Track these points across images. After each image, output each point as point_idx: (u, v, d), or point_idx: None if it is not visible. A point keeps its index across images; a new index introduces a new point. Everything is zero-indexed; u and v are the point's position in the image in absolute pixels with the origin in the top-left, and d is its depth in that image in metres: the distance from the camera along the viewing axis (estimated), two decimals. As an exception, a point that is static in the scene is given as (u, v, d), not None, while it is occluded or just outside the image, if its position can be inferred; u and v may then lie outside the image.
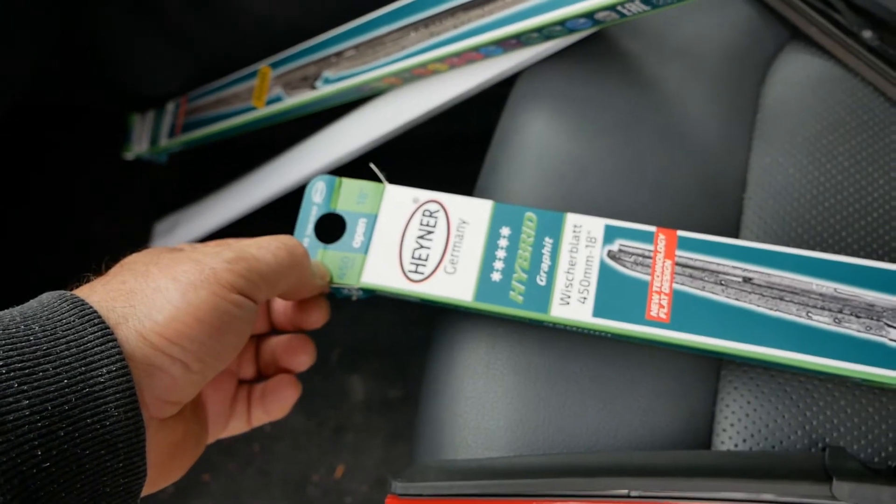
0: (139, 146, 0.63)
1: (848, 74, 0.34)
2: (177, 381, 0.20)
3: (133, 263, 0.22)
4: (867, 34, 0.34)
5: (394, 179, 0.30)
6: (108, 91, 0.64)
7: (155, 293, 0.20)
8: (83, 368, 0.18)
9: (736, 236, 0.31)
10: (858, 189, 0.31)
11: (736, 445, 0.27)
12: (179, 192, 0.64)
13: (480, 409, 0.28)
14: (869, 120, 0.33)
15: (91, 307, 0.19)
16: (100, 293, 0.20)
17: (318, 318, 0.29)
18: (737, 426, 0.27)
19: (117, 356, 0.18)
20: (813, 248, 0.30)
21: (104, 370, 0.18)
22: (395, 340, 0.62)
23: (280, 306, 0.29)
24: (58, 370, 0.17)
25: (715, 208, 0.31)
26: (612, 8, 0.30)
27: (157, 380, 0.20)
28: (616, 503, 0.25)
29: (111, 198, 0.69)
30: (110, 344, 0.19)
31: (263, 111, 0.48)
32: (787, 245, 0.30)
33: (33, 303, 0.20)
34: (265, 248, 0.24)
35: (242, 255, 0.23)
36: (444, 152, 0.54)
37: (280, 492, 0.59)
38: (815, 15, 0.35)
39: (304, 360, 0.29)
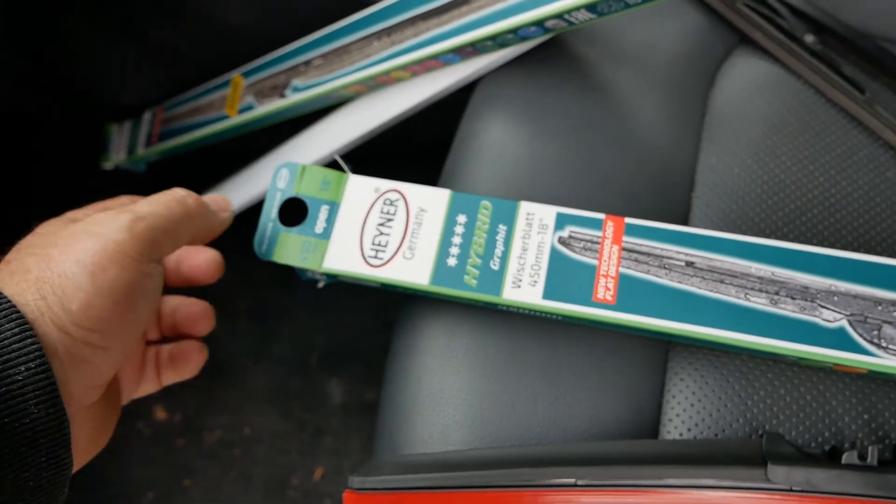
0: (117, 156, 0.63)
1: (791, 77, 0.35)
2: (100, 366, 0.20)
3: (31, 247, 0.22)
4: (809, 38, 0.35)
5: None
6: (85, 101, 0.64)
7: (64, 281, 0.20)
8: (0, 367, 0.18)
9: (685, 234, 0.32)
10: (800, 187, 0.32)
11: (681, 434, 0.28)
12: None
13: (436, 404, 0.29)
14: (811, 121, 0.34)
15: (8, 301, 0.19)
16: (9, 286, 0.20)
17: (207, 269, 0.29)
18: (682, 416, 0.28)
19: (36, 352, 0.18)
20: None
21: (22, 367, 0.18)
22: (372, 344, 0.63)
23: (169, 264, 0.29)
24: None
25: (664, 207, 0.33)
26: (559, 16, 0.31)
27: (82, 370, 0.20)
28: (563, 492, 0.26)
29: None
30: (29, 341, 0.18)
31: (236, 119, 0.49)
32: (733, 241, 0.31)
33: None
34: (157, 202, 0.24)
35: (139, 216, 0.22)
36: (408, 157, 0.55)
37: (260, 495, 0.60)
38: (761, 20, 0.36)
39: (204, 325, 0.29)
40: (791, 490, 0.25)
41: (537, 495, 0.26)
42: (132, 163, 0.63)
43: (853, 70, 0.35)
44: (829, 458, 0.26)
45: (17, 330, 0.18)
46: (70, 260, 0.20)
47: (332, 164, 0.34)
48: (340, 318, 0.63)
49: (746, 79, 0.36)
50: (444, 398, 0.29)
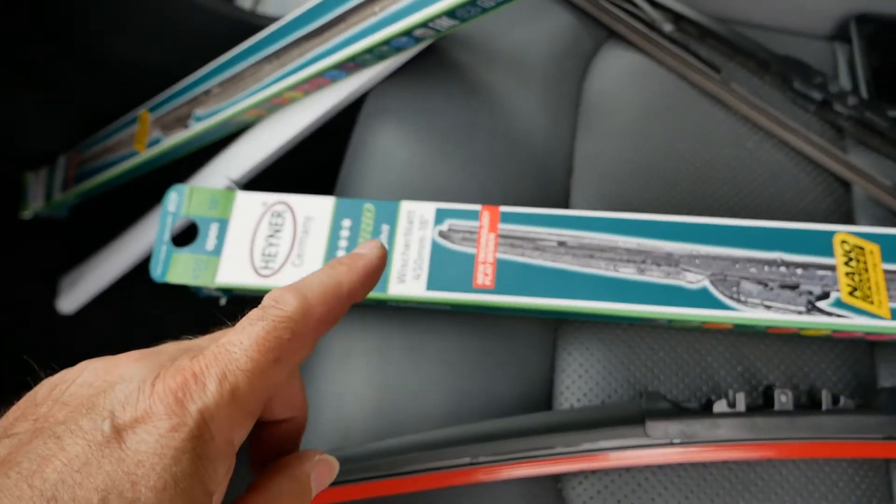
0: (35, 203, 0.63)
1: (656, 65, 0.38)
2: None
3: (44, 467, 0.15)
4: (668, 28, 0.38)
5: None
6: None
7: None
8: None
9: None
10: (670, 163, 0.35)
11: (572, 405, 0.30)
12: (85, 243, 0.64)
13: (338, 406, 0.30)
14: (675, 103, 0.37)
15: None
16: None
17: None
18: (572, 388, 0.30)
19: None
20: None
21: None
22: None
23: None
24: None
25: (545, 193, 0.34)
26: (424, 25, 0.33)
27: None
28: (461, 471, 0.27)
29: (13, 259, 0.68)
30: None
31: (145, 154, 0.49)
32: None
33: None
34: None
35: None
36: (311, 181, 0.56)
37: None
38: (624, 15, 0.39)
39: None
40: (671, 443, 0.27)
41: (437, 478, 0.27)
42: (52, 209, 0.62)
43: (710, 53, 0.38)
44: (704, 409, 0.28)
45: None
46: None
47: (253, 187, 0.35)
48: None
49: (616, 70, 0.38)
50: (344, 399, 0.30)
